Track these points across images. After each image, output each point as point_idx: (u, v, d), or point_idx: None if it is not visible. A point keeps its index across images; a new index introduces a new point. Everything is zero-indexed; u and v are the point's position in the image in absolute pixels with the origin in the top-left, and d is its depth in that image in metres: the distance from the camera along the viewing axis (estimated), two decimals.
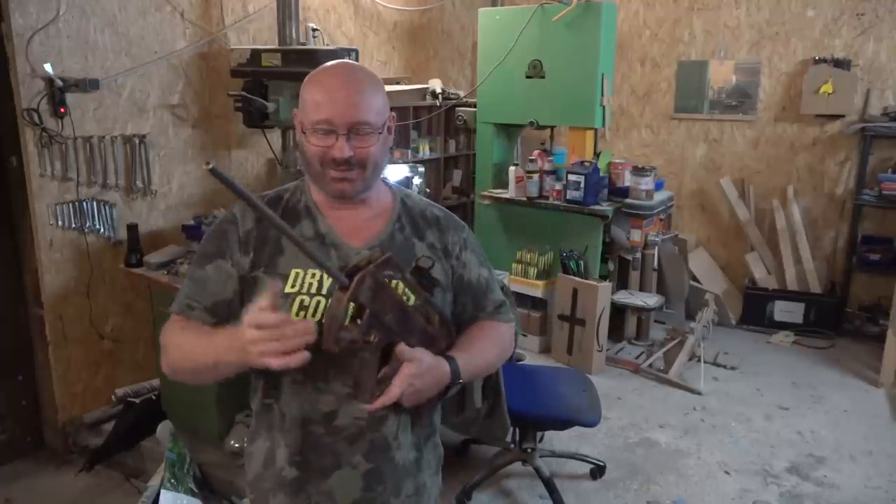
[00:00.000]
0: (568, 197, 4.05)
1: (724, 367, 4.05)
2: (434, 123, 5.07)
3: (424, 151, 4.96)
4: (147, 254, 3.07)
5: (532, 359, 3.99)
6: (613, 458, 3.10)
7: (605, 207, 4.03)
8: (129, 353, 3.30)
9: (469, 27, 5.38)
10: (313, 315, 1.18)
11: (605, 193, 4.16)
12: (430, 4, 5.11)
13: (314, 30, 3.91)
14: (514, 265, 4.24)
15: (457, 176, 5.48)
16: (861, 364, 4.10)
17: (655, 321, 4.47)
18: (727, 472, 3.03)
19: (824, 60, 4.42)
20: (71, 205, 3.01)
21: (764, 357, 4.24)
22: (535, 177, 4.19)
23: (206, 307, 1.23)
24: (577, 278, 3.97)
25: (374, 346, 1.09)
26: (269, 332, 1.01)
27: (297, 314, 1.18)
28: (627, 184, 4.18)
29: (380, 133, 1.22)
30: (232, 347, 1.07)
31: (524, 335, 4.21)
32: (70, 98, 2.91)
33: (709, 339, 4.19)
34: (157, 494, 2.43)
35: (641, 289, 4.30)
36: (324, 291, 1.19)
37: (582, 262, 4.03)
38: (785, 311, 4.58)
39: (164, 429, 2.75)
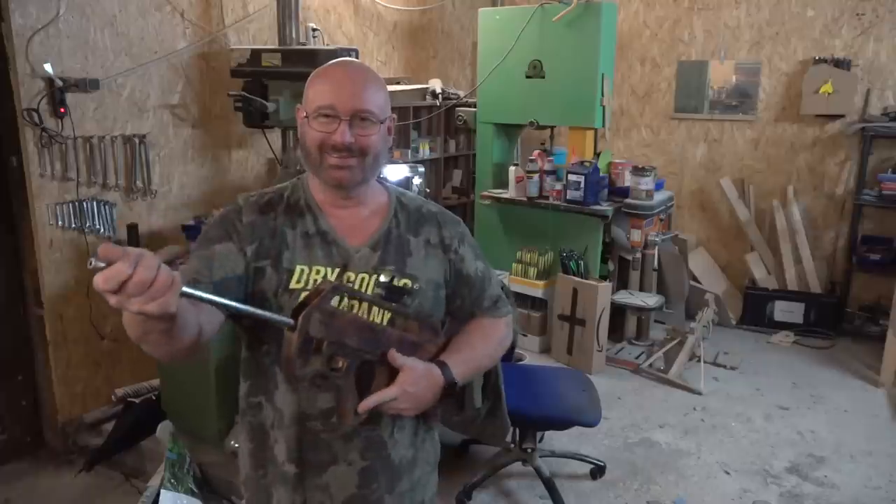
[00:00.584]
0: (568, 197, 4.05)
1: (724, 367, 4.05)
2: (434, 123, 5.07)
3: (424, 151, 4.96)
4: None
5: (532, 359, 3.99)
6: (613, 458, 3.10)
7: (605, 207, 4.03)
8: (129, 353, 3.30)
9: (469, 27, 5.38)
10: None
11: (605, 193, 4.17)
12: (430, 4, 5.11)
13: (314, 30, 3.91)
14: (514, 265, 4.24)
15: (457, 176, 5.48)
16: (861, 364, 4.10)
17: (655, 321, 4.46)
18: (727, 472, 3.03)
19: (824, 60, 4.42)
20: (71, 205, 3.01)
21: (764, 357, 4.24)
22: (535, 177, 4.19)
23: (214, 282, 1.14)
24: (577, 278, 3.97)
25: (345, 370, 1.11)
26: (115, 268, 0.82)
27: None
28: (627, 184, 4.18)
29: (381, 124, 1.22)
30: None
31: (524, 335, 4.21)
32: (70, 98, 2.92)
33: (709, 339, 4.20)
34: (157, 494, 2.43)
35: (641, 289, 4.30)
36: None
37: (582, 262, 4.02)
38: (785, 311, 4.58)
39: (164, 429, 2.75)
